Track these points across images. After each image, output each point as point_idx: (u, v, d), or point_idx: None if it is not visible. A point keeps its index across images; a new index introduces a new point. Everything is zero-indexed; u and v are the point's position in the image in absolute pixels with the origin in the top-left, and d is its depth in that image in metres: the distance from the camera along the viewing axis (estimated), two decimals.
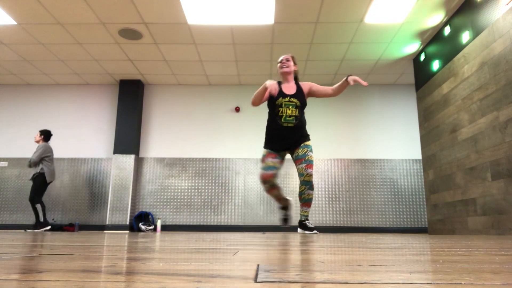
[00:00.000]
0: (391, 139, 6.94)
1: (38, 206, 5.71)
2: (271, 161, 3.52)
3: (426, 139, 5.58)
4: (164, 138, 7.05)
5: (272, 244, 1.63)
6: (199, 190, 6.79)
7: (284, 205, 3.74)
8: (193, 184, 6.82)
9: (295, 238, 2.59)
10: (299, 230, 3.75)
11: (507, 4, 3.79)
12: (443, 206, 5.08)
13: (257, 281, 0.53)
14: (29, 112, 7.21)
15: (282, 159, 3.61)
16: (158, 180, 6.85)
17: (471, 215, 4.42)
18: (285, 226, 3.76)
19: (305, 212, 3.65)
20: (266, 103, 7.32)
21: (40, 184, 5.80)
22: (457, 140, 4.72)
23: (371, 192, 6.70)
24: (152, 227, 6.43)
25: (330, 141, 6.95)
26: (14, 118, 7.18)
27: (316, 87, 3.63)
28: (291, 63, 3.65)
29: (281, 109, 3.49)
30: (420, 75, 5.86)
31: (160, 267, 0.70)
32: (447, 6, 4.78)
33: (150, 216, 6.56)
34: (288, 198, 3.77)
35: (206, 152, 6.96)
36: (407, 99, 7.12)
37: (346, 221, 6.59)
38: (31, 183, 6.67)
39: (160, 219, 6.53)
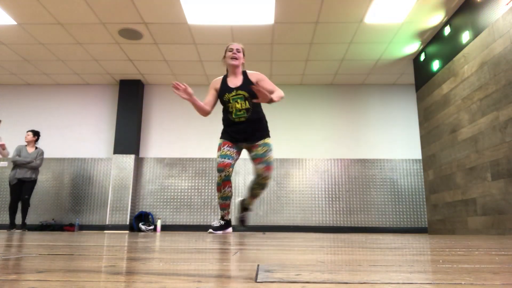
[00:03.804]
0: (391, 139, 6.94)
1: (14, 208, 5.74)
2: (227, 149, 3.34)
3: (426, 139, 5.58)
4: (164, 138, 7.05)
5: (272, 244, 1.63)
6: (199, 190, 6.79)
7: (228, 218, 3.50)
8: (193, 184, 6.82)
9: (295, 238, 2.59)
10: (237, 205, 3.59)
11: (507, 4, 3.79)
12: (443, 206, 5.08)
13: (257, 281, 0.53)
14: (29, 112, 7.21)
15: (239, 151, 3.43)
16: (158, 180, 6.85)
17: (471, 215, 4.42)
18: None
19: (251, 203, 3.53)
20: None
21: (33, 188, 5.87)
22: (457, 140, 4.72)
23: (371, 192, 6.70)
24: (152, 227, 6.43)
25: (330, 141, 6.95)
26: (14, 118, 7.18)
27: (264, 82, 3.35)
28: (242, 54, 3.45)
29: (229, 104, 3.31)
30: (420, 75, 5.86)
31: (160, 267, 0.70)
32: (447, 6, 4.78)
33: (150, 216, 6.56)
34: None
35: (206, 152, 6.96)
36: (407, 99, 7.12)
37: (346, 221, 6.59)
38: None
39: (160, 219, 6.53)
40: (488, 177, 4.08)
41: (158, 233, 4.94)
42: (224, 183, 3.31)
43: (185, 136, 7.04)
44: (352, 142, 6.95)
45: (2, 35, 5.49)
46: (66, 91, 7.31)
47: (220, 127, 7.03)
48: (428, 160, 5.52)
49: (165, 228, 6.66)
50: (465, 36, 4.58)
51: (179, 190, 6.80)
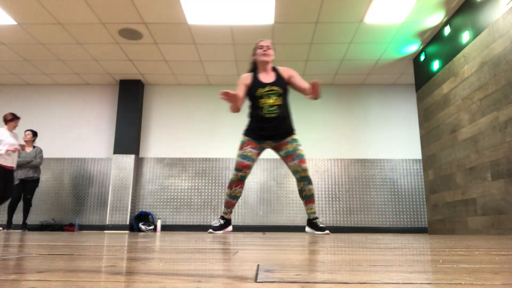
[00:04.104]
0: (391, 139, 6.94)
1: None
2: (250, 150, 3.30)
3: (426, 139, 5.58)
4: (164, 138, 7.05)
5: (272, 244, 1.63)
6: (199, 190, 6.79)
7: (228, 217, 3.45)
8: (193, 184, 6.82)
9: (295, 238, 2.59)
10: (307, 229, 3.58)
11: (507, 4, 3.79)
12: (443, 206, 5.08)
13: (257, 281, 0.53)
14: (29, 112, 7.21)
15: (261, 151, 3.39)
16: (158, 180, 6.85)
17: (471, 215, 4.42)
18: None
19: (312, 209, 3.49)
20: None
21: (35, 188, 5.91)
22: (457, 140, 4.72)
23: (371, 192, 6.70)
24: (152, 227, 6.43)
25: (330, 141, 6.95)
26: None
27: (296, 79, 3.33)
28: (272, 51, 3.39)
29: (261, 100, 3.25)
30: (420, 75, 5.86)
31: (160, 267, 0.70)
32: (447, 6, 4.78)
33: (150, 216, 6.56)
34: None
35: (206, 152, 6.96)
36: (407, 99, 7.12)
37: (346, 221, 6.59)
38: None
39: (160, 219, 6.53)
40: (488, 177, 4.08)
41: (158, 233, 4.94)
42: (238, 182, 3.30)
43: (185, 136, 7.05)
44: (352, 142, 6.95)
45: (2, 35, 5.49)
46: (66, 91, 7.31)
47: (220, 127, 7.04)
48: (428, 160, 5.52)
49: (165, 228, 6.66)
50: (465, 36, 4.58)
51: (179, 190, 6.80)
